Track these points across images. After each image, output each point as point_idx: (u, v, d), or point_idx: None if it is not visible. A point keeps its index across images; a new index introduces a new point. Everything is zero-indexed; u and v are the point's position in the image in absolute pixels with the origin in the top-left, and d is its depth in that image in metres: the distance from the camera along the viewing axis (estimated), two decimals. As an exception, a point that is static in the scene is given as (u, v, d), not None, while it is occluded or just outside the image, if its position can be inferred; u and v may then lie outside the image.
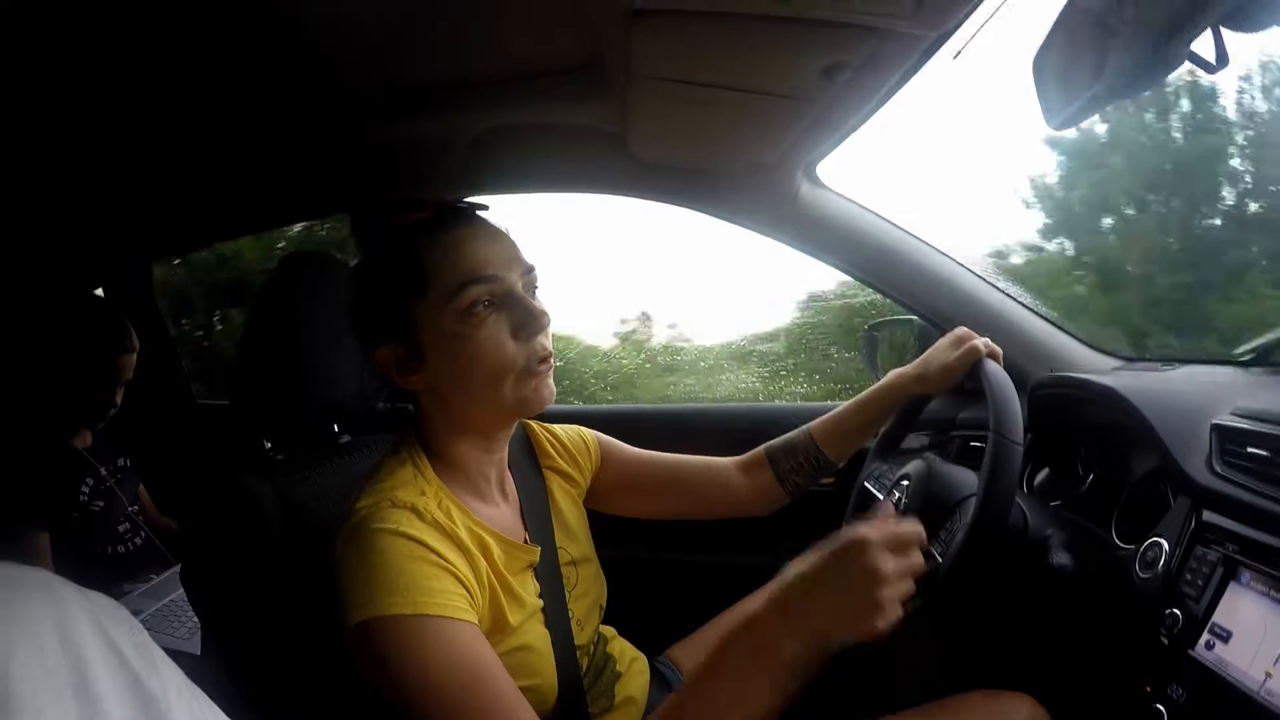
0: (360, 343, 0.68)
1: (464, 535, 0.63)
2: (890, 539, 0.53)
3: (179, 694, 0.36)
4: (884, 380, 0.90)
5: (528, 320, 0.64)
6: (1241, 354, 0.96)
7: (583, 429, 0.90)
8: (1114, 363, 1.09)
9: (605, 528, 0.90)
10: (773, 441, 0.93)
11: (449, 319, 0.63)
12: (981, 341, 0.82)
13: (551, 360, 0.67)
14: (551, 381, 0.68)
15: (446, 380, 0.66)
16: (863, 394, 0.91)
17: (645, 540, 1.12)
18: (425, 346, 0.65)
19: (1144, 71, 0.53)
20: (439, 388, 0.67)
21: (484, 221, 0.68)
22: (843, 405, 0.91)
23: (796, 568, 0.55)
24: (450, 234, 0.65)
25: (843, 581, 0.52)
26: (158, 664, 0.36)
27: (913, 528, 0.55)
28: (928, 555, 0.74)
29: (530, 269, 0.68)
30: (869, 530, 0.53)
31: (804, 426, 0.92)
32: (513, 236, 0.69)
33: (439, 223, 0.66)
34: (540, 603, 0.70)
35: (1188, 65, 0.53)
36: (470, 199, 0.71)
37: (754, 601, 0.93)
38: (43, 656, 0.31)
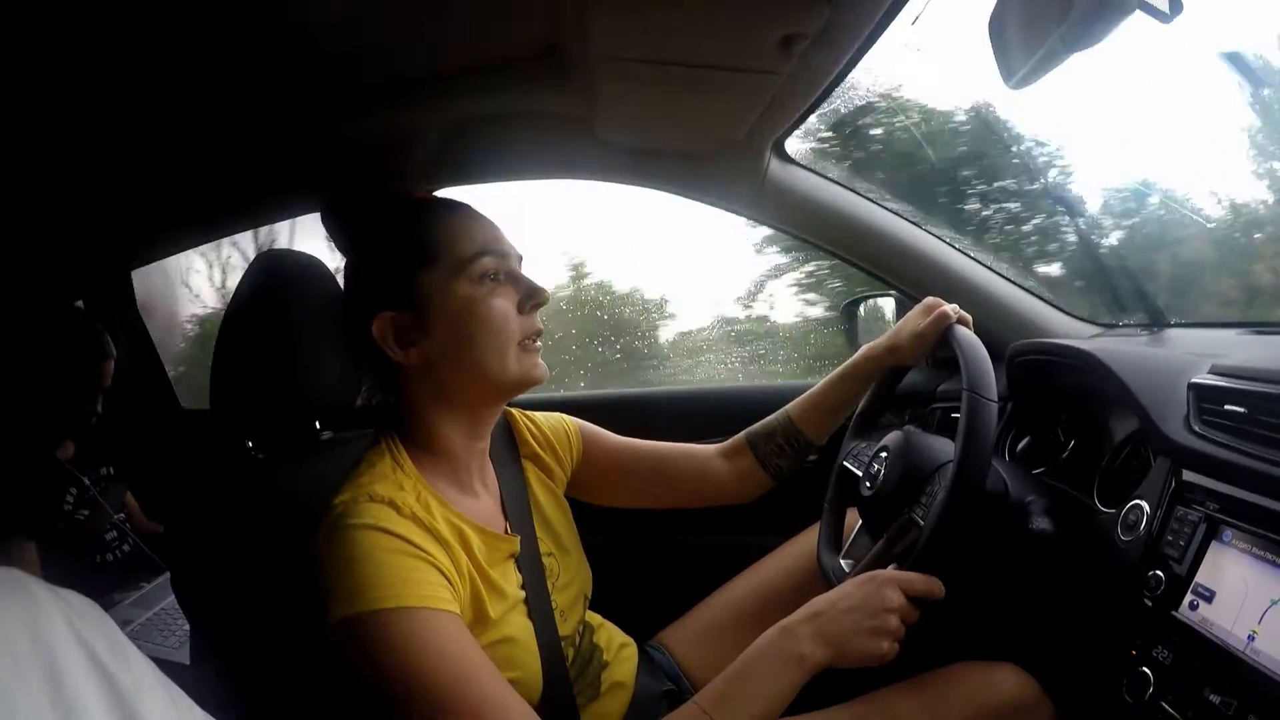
0: (356, 318, 0.68)
1: (443, 528, 0.63)
2: (903, 581, 0.65)
3: (152, 689, 0.36)
4: (858, 354, 0.89)
5: (534, 293, 0.69)
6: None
7: (565, 417, 0.89)
8: (1093, 329, 1.09)
9: (592, 514, 0.89)
10: (752, 426, 0.93)
11: (463, 286, 0.66)
12: (951, 308, 0.82)
13: (540, 340, 0.70)
14: (542, 359, 0.71)
15: (450, 350, 0.67)
16: (838, 370, 0.91)
17: (632, 525, 1.11)
18: (431, 315, 0.66)
19: (1096, 20, 0.52)
20: (436, 361, 0.67)
21: (479, 211, 0.72)
22: (819, 383, 0.91)
23: (829, 593, 0.66)
24: (457, 212, 0.69)
25: (863, 604, 0.63)
26: (130, 659, 0.36)
27: (926, 583, 0.65)
28: (910, 522, 0.73)
29: (521, 257, 0.72)
30: (890, 572, 0.66)
31: (782, 409, 0.92)
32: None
33: (444, 204, 0.71)
34: (522, 594, 0.70)
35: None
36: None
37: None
38: (15, 657, 0.31)
